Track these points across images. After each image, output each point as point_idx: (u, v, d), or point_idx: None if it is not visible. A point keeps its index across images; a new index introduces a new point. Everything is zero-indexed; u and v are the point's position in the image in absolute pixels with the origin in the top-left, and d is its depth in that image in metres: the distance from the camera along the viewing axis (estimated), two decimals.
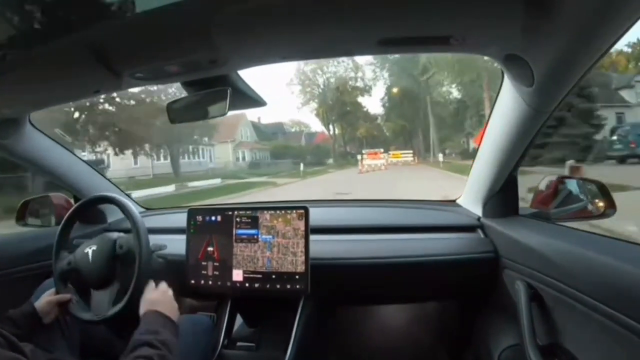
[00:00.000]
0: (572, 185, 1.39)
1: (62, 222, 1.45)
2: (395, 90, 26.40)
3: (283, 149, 27.05)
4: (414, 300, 1.92)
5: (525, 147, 1.30)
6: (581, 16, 0.75)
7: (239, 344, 1.50)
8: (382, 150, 19.85)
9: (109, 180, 2.04)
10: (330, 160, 27.08)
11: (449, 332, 1.97)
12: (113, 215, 1.95)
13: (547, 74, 0.95)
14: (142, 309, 1.20)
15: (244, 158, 26.03)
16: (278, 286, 1.45)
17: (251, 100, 1.26)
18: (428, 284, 1.63)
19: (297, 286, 1.43)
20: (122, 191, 2.04)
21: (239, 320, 1.59)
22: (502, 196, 1.52)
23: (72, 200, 1.90)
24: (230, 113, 1.15)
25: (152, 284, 1.30)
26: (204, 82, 1.14)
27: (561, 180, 1.41)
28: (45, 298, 1.29)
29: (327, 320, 1.90)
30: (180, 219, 1.64)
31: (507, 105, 1.22)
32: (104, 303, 1.33)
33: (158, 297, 1.24)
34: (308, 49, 1.06)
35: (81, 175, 1.88)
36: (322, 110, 28.15)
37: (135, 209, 1.41)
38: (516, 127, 1.22)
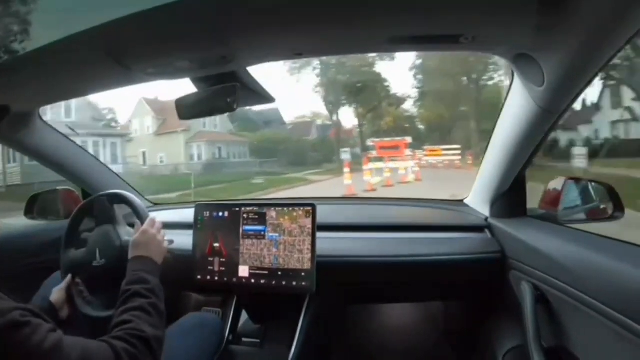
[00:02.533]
0: (581, 186, 1.38)
1: (72, 216, 1.46)
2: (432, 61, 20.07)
3: (272, 144, 21.88)
4: (419, 299, 1.91)
5: (534, 148, 1.29)
6: (592, 16, 0.74)
7: (244, 339, 1.51)
8: (407, 139, 12.01)
9: (117, 175, 2.05)
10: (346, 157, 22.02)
11: (454, 332, 1.97)
12: (121, 209, 1.96)
13: (558, 73, 0.94)
14: (130, 252, 1.21)
15: (200, 157, 20.01)
16: (284, 283, 1.45)
17: (259, 96, 1.26)
18: (434, 284, 1.62)
19: (303, 283, 1.43)
20: (130, 186, 2.05)
21: (244, 316, 1.60)
22: (510, 196, 1.51)
23: (80, 195, 1.91)
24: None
25: (138, 226, 1.30)
26: (213, 78, 1.15)
27: (570, 181, 1.40)
28: (58, 291, 1.30)
29: (332, 317, 1.90)
30: (187, 215, 1.65)
31: (516, 105, 1.21)
32: (112, 299, 1.34)
33: (141, 239, 1.24)
34: (318, 46, 1.06)
35: (90, 170, 1.90)
36: (323, 85, 22.20)
37: (143, 205, 1.41)
38: (525, 127, 1.21)
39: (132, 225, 1.42)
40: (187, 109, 1.23)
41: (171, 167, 18.95)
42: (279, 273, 1.46)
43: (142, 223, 1.32)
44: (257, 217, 1.52)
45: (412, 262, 1.51)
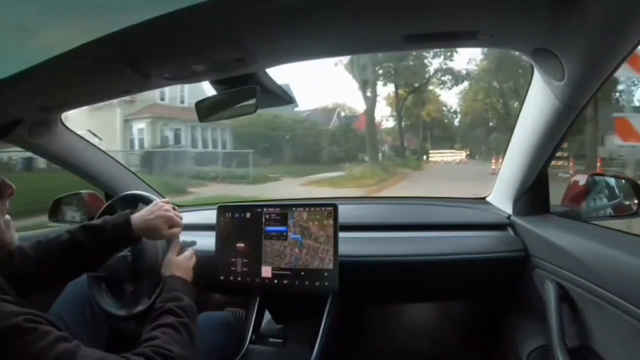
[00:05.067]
0: (605, 182, 1.36)
1: (95, 218, 1.49)
2: None
3: (270, 130, 16.60)
4: (441, 298, 1.90)
5: (556, 144, 1.27)
6: (613, 7, 0.73)
7: (266, 339, 1.52)
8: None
9: (139, 178, 2.08)
10: (365, 159, 17.38)
11: (476, 332, 1.95)
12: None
13: (578, 67, 0.93)
14: (165, 270, 1.22)
15: (142, 143, 14.60)
16: (306, 283, 1.45)
17: (279, 98, 1.27)
18: (456, 283, 1.61)
19: (326, 283, 1.43)
20: (152, 189, 2.08)
21: (266, 316, 1.60)
22: (532, 194, 1.49)
23: (103, 198, 1.95)
24: None
25: (177, 245, 1.30)
26: (232, 80, 1.16)
27: (593, 177, 1.38)
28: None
29: (354, 317, 1.90)
30: (209, 216, 1.66)
31: (537, 101, 1.20)
32: (136, 299, 1.36)
33: (181, 261, 1.26)
34: (335, 46, 1.06)
35: (112, 173, 1.93)
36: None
37: None
38: (547, 123, 1.20)
39: None
40: (207, 111, 1.25)
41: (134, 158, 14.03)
42: (302, 273, 1.46)
43: None
44: (279, 217, 1.52)
45: (433, 261, 1.50)
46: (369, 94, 18.85)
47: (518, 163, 1.44)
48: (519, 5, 0.79)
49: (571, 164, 11.56)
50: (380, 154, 18.63)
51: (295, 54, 1.09)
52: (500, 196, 1.70)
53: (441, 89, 21.09)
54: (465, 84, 20.73)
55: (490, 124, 21.47)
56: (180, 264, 1.24)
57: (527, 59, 1.04)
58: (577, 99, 1.06)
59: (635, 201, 1.24)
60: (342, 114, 21.49)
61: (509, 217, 1.62)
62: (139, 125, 14.65)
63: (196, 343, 1.09)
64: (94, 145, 1.83)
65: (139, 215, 1.22)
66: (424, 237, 1.61)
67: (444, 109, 21.67)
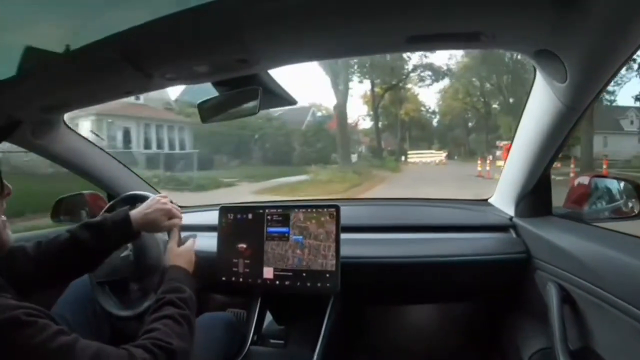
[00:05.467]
0: (607, 184, 1.36)
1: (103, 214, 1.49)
2: None
3: (237, 130, 15.25)
4: (443, 300, 1.90)
5: (558, 146, 1.27)
6: (615, 9, 0.73)
7: (267, 340, 1.52)
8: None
9: (142, 178, 2.08)
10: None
11: (477, 334, 1.94)
12: None
13: (581, 68, 0.93)
14: (166, 260, 1.24)
15: None
16: (308, 284, 1.45)
17: (282, 99, 1.27)
18: (458, 284, 1.61)
19: (328, 284, 1.43)
20: (155, 189, 2.08)
21: (268, 317, 1.60)
22: (535, 195, 1.49)
23: (105, 198, 1.95)
24: None
25: (177, 235, 1.31)
26: (234, 81, 1.16)
27: (595, 179, 1.38)
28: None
29: (355, 319, 1.90)
30: (211, 217, 1.66)
31: (539, 103, 1.20)
32: (142, 296, 1.37)
33: (182, 250, 1.26)
34: (338, 47, 1.06)
35: (115, 174, 1.94)
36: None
37: None
38: (549, 125, 1.20)
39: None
40: (209, 112, 1.25)
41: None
42: (304, 274, 1.46)
43: None
44: (280, 218, 1.52)
45: (436, 262, 1.50)
46: (341, 87, 17.61)
47: (520, 165, 1.44)
48: (521, 7, 0.79)
49: (572, 165, 11.56)
50: (355, 155, 17.61)
51: (298, 55, 1.09)
52: (503, 198, 1.70)
53: (420, 87, 20.22)
54: (446, 80, 20.00)
55: (470, 124, 21.04)
56: (181, 253, 1.25)
57: (530, 60, 1.04)
58: (579, 101, 1.06)
59: (638, 203, 1.23)
60: (318, 113, 20.30)
61: (511, 218, 1.62)
62: (84, 124, 12.37)
63: (198, 343, 1.10)
64: (96, 146, 1.84)
65: (137, 211, 1.23)
66: (425, 239, 1.61)
67: (423, 108, 20.85)
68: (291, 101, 1.29)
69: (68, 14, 0.85)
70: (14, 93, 1.15)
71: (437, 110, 21.54)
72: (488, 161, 12.90)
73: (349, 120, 18.57)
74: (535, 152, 1.33)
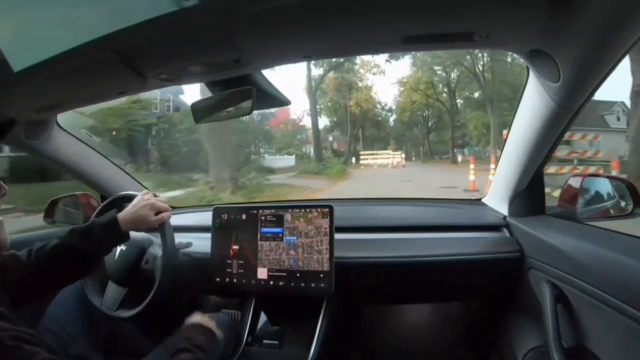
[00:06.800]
0: (600, 183, 1.37)
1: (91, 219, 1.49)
2: None
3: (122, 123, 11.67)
4: (437, 299, 1.91)
5: (551, 145, 1.28)
6: (608, 9, 0.73)
7: (262, 341, 1.51)
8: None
9: (135, 179, 2.07)
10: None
11: (472, 332, 1.95)
12: None
13: (573, 68, 0.93)
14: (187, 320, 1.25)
15: None
16: (302, 285, 1.45)
17: (275, 99, 1.27)
18: (452, 284, 1.61)
19: (322, 285, 1.43)
20: (145, 188, 2.07)
21: (262, 318, 1.60)
22: (528, 195, 1.50)
23: (99, 199, 1.94)
24: None
25: (171, 231, 1.36)
26: (228, 81, 1.16)
27: (588, 178, 1.39)
28: None
29: (350, 318, 1.90)
30: (205, 218, 1.66)
31: (532, 102, 1.21)
32: (114, 299, 1.38)
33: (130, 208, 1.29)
34: (332, 47, 1.06)
35: (108, 175, 1.92)
36: None
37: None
38: (542, 124, 1.20)
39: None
40: (202, 113, 1.25)
41: None
42: (298, 275, 1.46)
43: (161, 225, 1.36)
44: (274, 219, 1.52)
45: (430, 262, 1.51)
46: None
47: (513, 164, 1.44)
48: (515, 7, 0.80)
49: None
50: (293, 157, 13.74)
51: (291, 55, 1.09)
52: (496, 197, 1.71)
53: (374, 74, 16.88)
54: (407, 61, 16.90)
55: (430, 122, 19.20)
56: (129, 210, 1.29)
57: (523, 60, 1.05)
58: (572, 101, 1.06)
59: (630, 202, 1.24)
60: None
61: (504, 218, 1.63)
62: None
63: None
64: (89, 146, 1.83)
65: (125, 212, 1.25)
66: (419, 239, 1.61)
67: (379, 105, 17.69)
68: (285, 101, 1.29)
69: (61, 14, 0.85)
70: (7, 93, 1.14)
71: (394, 107, 19.27)
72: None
73: (293, 116, 15.22)
74: (529, 151, 1.33)
